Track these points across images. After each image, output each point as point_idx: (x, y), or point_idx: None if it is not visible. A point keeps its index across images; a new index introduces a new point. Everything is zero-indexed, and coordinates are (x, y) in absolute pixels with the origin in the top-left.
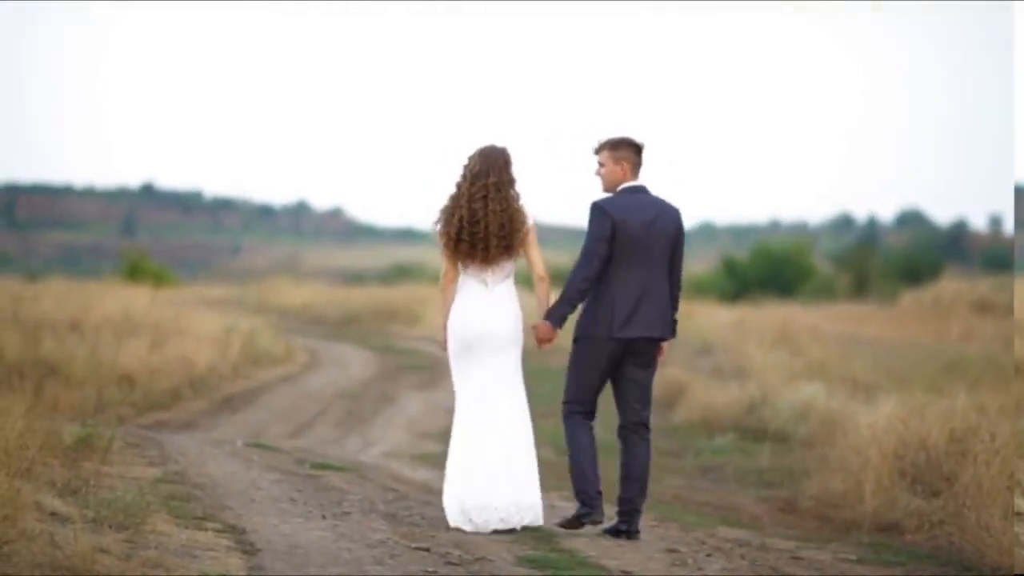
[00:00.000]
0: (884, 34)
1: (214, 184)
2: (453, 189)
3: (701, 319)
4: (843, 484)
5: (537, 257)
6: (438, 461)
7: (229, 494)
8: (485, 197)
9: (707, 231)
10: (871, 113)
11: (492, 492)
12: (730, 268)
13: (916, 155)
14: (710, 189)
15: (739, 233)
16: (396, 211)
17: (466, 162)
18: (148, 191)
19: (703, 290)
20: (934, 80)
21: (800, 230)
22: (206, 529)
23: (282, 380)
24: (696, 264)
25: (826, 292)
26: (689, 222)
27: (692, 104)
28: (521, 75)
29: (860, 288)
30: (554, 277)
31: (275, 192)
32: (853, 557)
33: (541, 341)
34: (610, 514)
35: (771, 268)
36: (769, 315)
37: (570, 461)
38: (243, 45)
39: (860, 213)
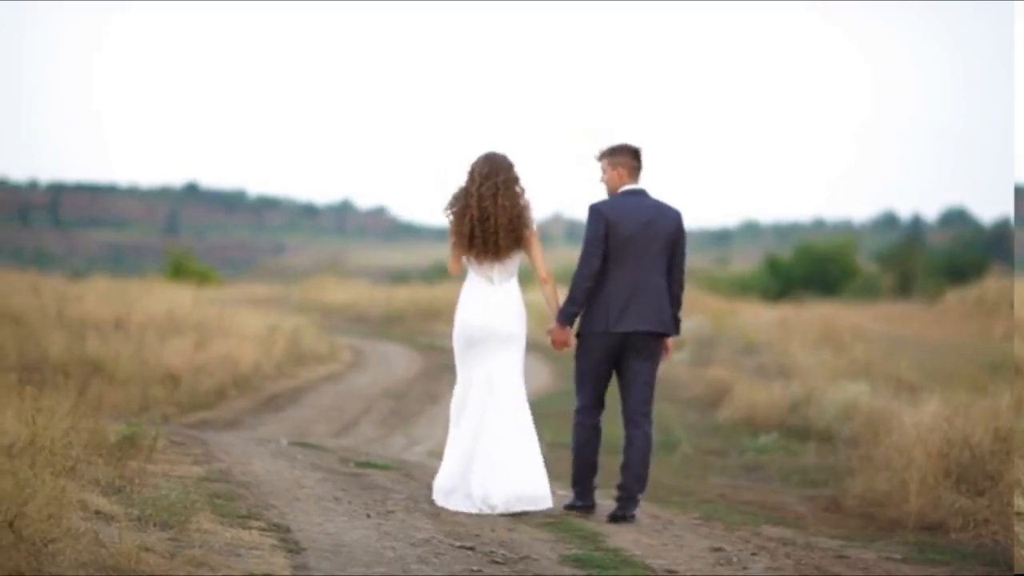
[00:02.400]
0: (935, 32)
1: (258, 183)
2: (460, 191)
3: (745, 318)
4: (888, 483)
5: (540, 260)
6: None
7: (273, 493)
8: (495, 195)
9: (751, 229)
10: (918, 112)
11: (490, 483)
12: (774, 267)
13: (961, 153)
14: (754, 188)
15: (783, 232)
16: (439, 210)
17: (471, 168)
18: (192, 190)
19: (747, 289)
20: (981, 78)
21: (844, 228)
22: (250, 528)
23: (326, 379)
24: (740, 263)
25: (870, 291)
26: (733, 220)
27: (738, 103)
28: (562, 75)
29: (904, 287)
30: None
31: (319, 191)
32: (898, 556)
33: (557, 344)
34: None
35: (815, 267)
36: (813, 314)
37: (572, 452)
38: (289, 44)
39: (904, 212)
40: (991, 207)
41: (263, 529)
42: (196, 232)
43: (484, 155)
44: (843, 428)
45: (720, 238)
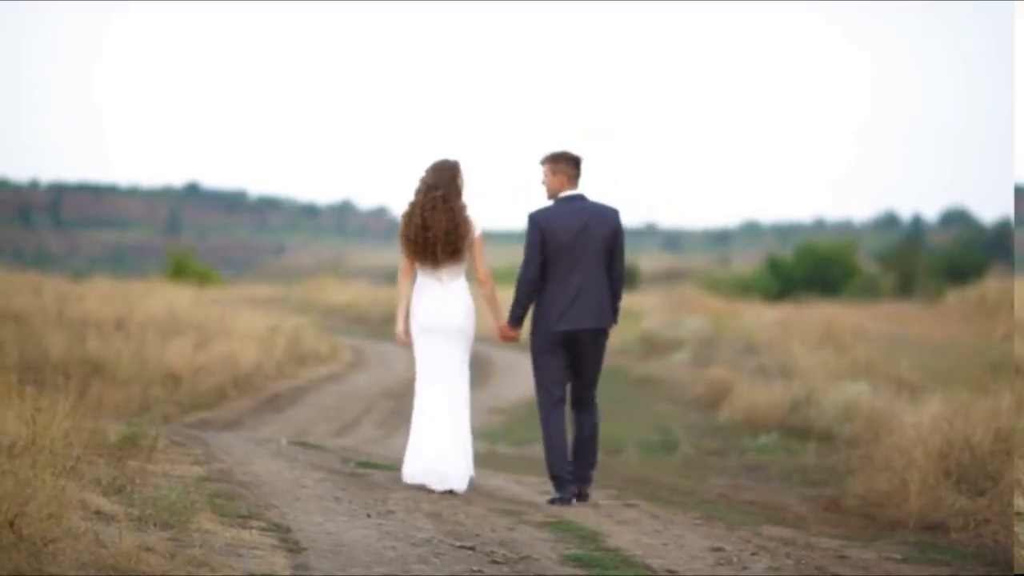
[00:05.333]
0: (935, 32)
1: (259, 183)
2: (413, 197)
3: (746, 318)
4: (888, 483)
5: (480, 263)
6: (481, 460)
7: (274, 492)
8: (433, 208)
9: (752, 230)
10: (918, 112)
11: (440, 459)
12: (775, 267)
13: (961, 153)
14: (755, 188)
15: (784, 232)
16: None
17: (423, 174)
18: (193, 190)
19: (748, 289)
20: (981, 78)
21: (845, 229)
22: (251, 527)
23: (327, 379)
24: (740, 263)
25: (870, 291)
26: (734, 221)
27: (738, 103)
28: (562, 75)
29: (905, 287)
30: None
31: (319, 191)
32: (898, 556)
33: (504, 339)
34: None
35: (816, 267)
36: (813, 314)
37: (544, 446)
38: (289, 44)
39: (905, 212)
40: (991, 207)
41: (263, 529)
42: (197, 232)
43: (433, 164)
44: (843, 428)
45: (721, 238)
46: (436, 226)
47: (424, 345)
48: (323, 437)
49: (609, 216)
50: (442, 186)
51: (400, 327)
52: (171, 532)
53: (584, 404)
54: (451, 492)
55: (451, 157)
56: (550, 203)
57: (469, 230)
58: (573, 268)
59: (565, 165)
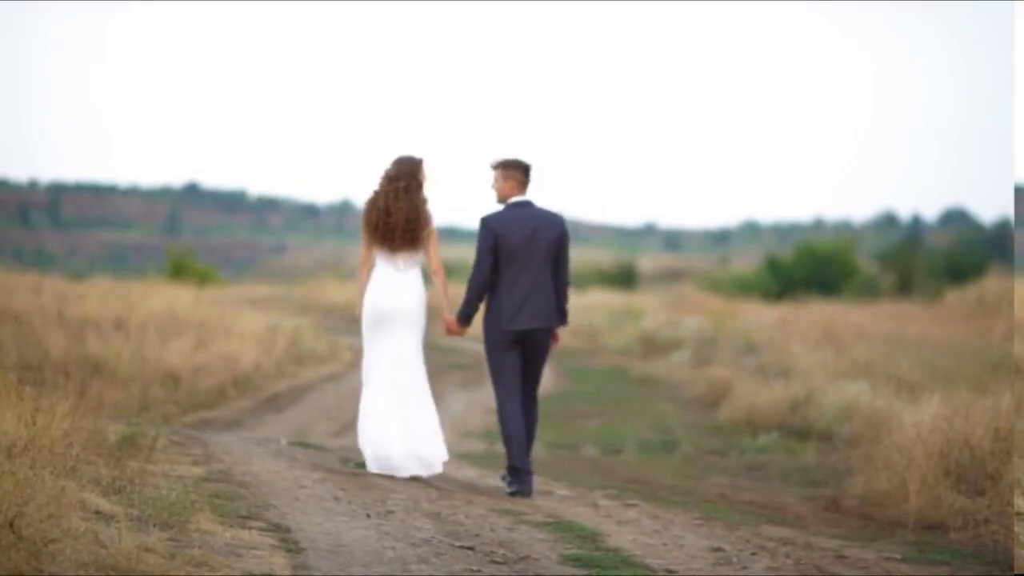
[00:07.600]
0: (935, 32)
1: (258, 183)
2: (377, 187)
3: (745, 318)
4: (888, 483)
5: (433, 256)
6: (482, 460)
7: (273, 493)
8: (396, 197)
9: (751, 230)
10: (918, 112)
11: (389, 445)
12: (774, 267)
13: (961, 153)
14: (754, 187)
15: (783, 232)
16: (438, 210)
17: (387, 167)
18: (192, 190)
19: (747, 289)
20: (981, 78)
21: (844, 228)
22: (250, 528)
23: (326, 379)
24: (740, 263)
25: (870, 291)
26: (733, 220)
27: (738, 102)
28: (562, 74)
29: (904, 287)
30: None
31: (319, 191)
32: (898, 556)
33: (450, 332)
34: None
35: (815, 267)
36: (813, 314)
37: (503, 439)
38: (289, 44)
39: (904, 211)
40: (991, 207)
41: (263, 529)
42: (197, 232)
43: (398, 158)
44: (843, 428)
45: (720, 238)
46: (397, 213)
47: (376, 333)
48: (323, 437)
49: (556, 222)
50: (403, 178)
51: (359, 310)
52: (171, 532)
53: (526, 400)
54: (417, 478)
55: (416, 154)
56: (500, 207)
57: (428, 222)
58: (523, 271)
59: (515, 171)
